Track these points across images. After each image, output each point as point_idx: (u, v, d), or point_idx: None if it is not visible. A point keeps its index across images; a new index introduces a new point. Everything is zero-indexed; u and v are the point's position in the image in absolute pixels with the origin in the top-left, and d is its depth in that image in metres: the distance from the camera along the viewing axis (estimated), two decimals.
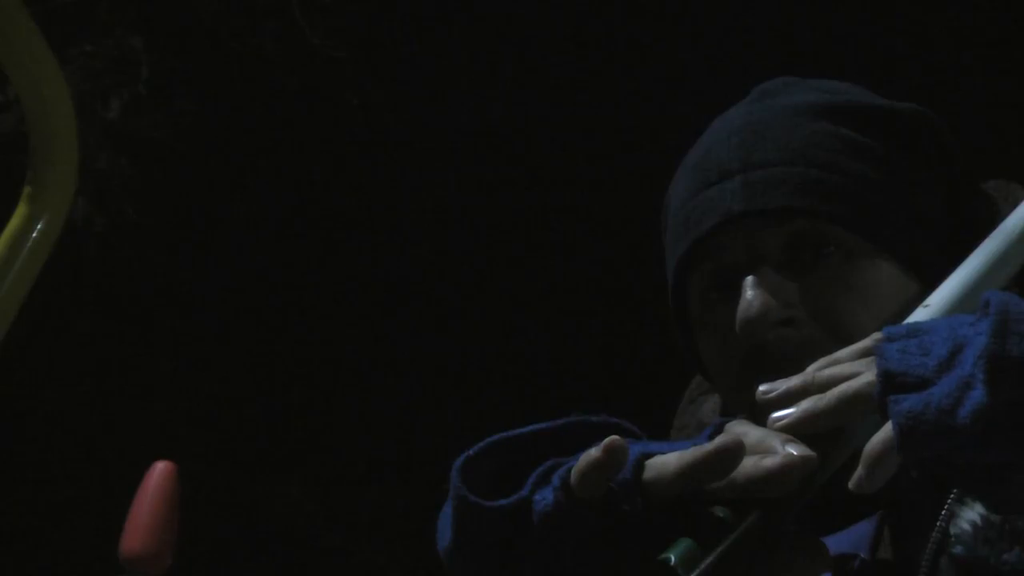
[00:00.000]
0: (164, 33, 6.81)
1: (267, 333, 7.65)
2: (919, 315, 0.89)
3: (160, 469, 2.02)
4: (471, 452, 0.97)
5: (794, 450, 0.83)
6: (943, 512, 0.93)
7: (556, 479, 0.90)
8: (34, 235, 1.28)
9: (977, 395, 0.77)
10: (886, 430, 0.80)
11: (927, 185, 1.07)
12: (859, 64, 6.49)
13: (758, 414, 0.88)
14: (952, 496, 0.94)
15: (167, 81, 6.80)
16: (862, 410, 0.83)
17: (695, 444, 0.87)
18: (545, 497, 0.90)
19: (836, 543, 0.95)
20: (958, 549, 0.91)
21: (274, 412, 7.71)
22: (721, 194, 1.06)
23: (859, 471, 0.81)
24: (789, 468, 0.82)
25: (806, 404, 0.84)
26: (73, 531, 6.99)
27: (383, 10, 7.22)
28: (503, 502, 0.91)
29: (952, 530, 0.92)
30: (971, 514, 0.92)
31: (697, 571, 0.80)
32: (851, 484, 0.81)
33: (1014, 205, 0.98)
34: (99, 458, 6.90)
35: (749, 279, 1.03)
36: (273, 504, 7.57)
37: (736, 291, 1.04)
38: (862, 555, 0.94)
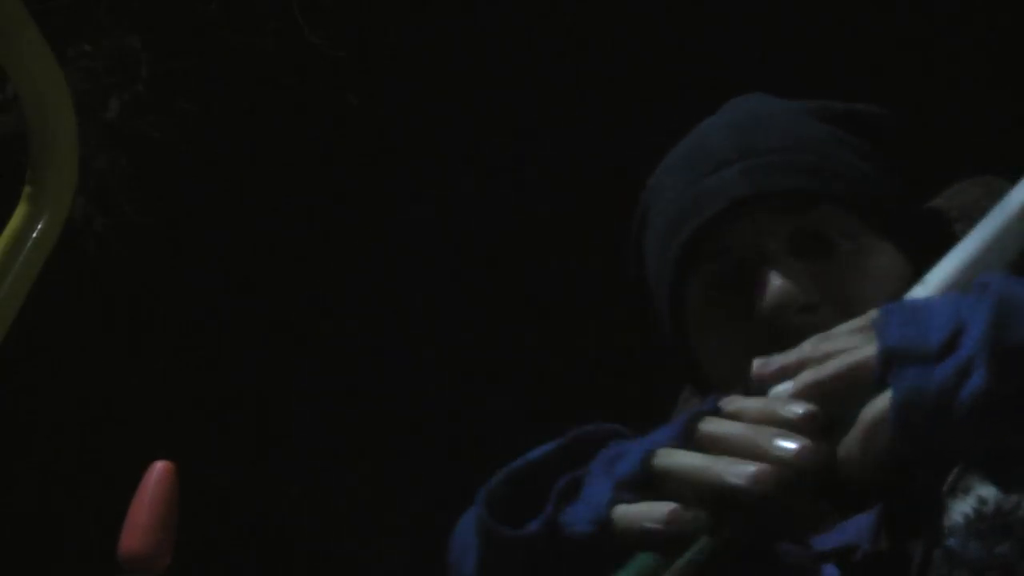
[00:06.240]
0: (164, 33, 6.80)
1: (267, 332, 7.65)
2: (916, 292, 0.88)
3: (159, 469, 2.01)
4: (491, 484, 0.96)
5: (787, 445, 0.77)
6: (935, 505, 0.93)
7: (593, 509, 0.88)
8: (34, 235, 1.28)
9: (976, 381, 0.77)
10: (884, 398, 0.79)
11: (903, 180, 1.09)
12: (858, 61, 6.49)
13: (752, 392, 0.87)
14: (945, 489, 0.94)
15: (167, 81, 6.80)
16: (862, 383, 0.82)
17: (672, 427, 0.86)
18: (576, 524, 0.89)
19: (838, 535, 0.95)
20: (951, 542, 0.91)
21: (274, 412, 7.71)
22: (722, 181, 1.06)
23: (851, 436, 0.80)
24: (765, 477, 0.76)
25: (805, 375, 0.82)
26: (73, 531, 6.99)
27: (383, 10, 7.22)
28: (533, 528, 0.90)
29: (945, 523, 0.92)
30: (964, 507, 0.92)
31: None
32: (840, 450, 0.80)
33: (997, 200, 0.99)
34: (99, 458, 6.90)
35: (770, 266, 1.03)
36: (273, 504, 7.57)
37: (747, 279, 1.04)
38: (864, 547, 0.94)
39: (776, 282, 1.02)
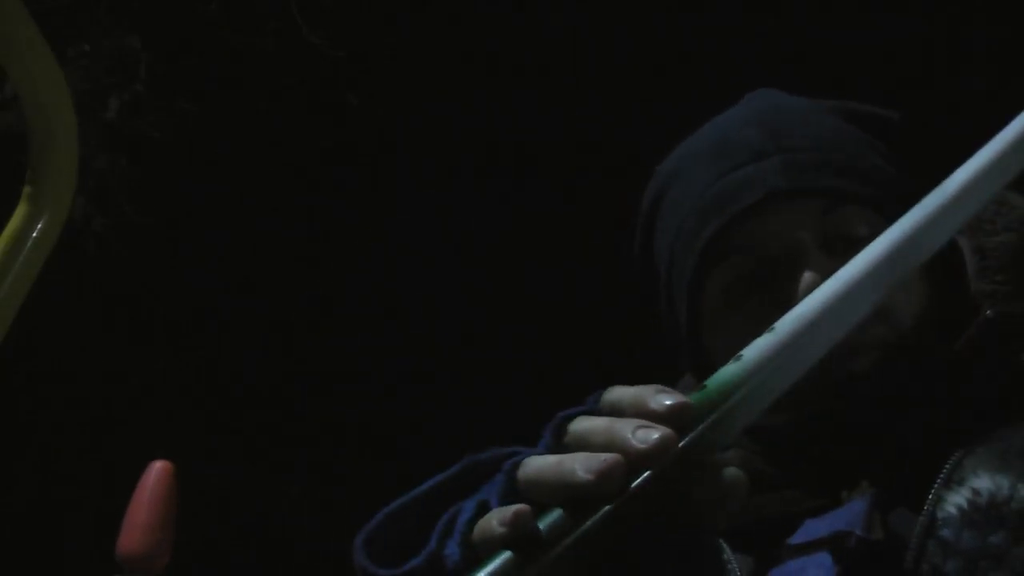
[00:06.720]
0: (164, 33, 6.80)
1: (267, 333, 7.65)
2: (766, 339, 0.79)
3: (157, 468, 2.01)
4: (370, 527, 0.96)
5: (639, 439, 0.71)
6: (930, 496, 0.94)
7: (458, 533, 0.88)
8: (34, 235, 1.28)
9: None
10: None
11: (910, 180, 1.10)
12: (859, 61, 6.49)
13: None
14: (939, 480, 0.94)
15: (167, 81, 6.80)
16: None
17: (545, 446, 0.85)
18: (452, 552, 0.88)
19: (832, 520, 0.96)
20: (945, 532, 0.92)
21: (275, 412, 7.70)
22: (760, 172, 1.06)
23: None
24: (609, 470, 0.70)
25: None
26: (73, 531, 6.99)
27: (383, 10, 7.22)
28: (415, 562, 0.90)
29: (939, 514, 0.93)
30: (957, 498, 0.93)
31: None
32: None
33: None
34: (99, 458, 6.89)
35: (802, 262, 1.03)
36: (273, 504, 7.56)
37: (769, 278, 1.04)
38: (857, 533, 0.94)
39: (809, 278, 1.02)
